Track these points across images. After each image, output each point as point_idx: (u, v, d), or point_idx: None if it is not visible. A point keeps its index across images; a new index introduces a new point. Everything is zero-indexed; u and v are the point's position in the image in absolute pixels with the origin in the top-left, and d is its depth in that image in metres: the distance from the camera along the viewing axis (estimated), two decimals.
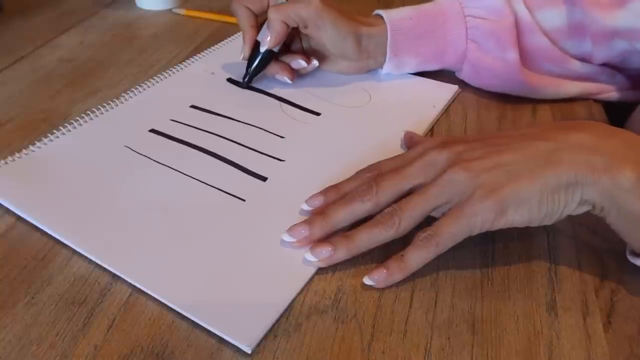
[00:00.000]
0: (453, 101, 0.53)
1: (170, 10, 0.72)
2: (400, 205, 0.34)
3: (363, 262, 0.35)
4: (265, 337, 0.31)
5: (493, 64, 0.52)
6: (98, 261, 0.34)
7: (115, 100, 0.50)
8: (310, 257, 0.34)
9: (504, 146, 0.34)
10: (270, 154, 0.44)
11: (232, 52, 0.60)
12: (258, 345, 0.30)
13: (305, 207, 0.38)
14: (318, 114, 0.49)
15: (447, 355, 0.30)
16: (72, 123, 0.46)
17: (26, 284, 0.33)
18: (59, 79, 0.55)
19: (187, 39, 0.64)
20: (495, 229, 0.33)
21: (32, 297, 0.32)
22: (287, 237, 0.36)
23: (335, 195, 0.38)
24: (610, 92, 0.54)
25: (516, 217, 0.33)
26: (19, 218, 0.38)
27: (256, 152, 0.44)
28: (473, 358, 0.30)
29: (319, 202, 0.38)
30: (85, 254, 0.35)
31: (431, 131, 0.49)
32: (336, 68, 0.55)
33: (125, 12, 0.71)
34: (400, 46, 0.53)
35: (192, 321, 0.31)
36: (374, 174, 0.38)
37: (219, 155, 0.43)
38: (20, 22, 0.66)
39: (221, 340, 0.30)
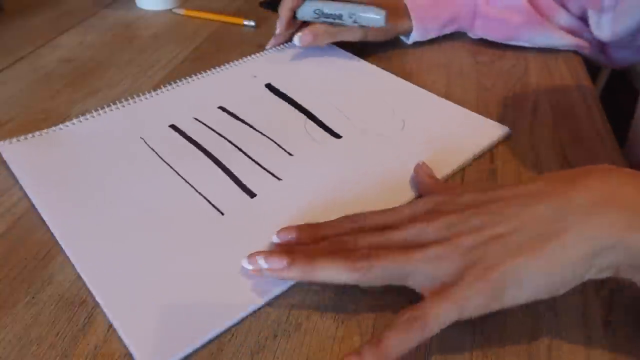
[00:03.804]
0: (498, 144, 0.47)
1: (170, 10, 0.72)
2: (379, 251, 0.30)
3: None
4: (266, 337, 0.31)
5: (503, 14, 0.60)
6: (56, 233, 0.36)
7: (152, 91, 0.51)
8: (261, 263, 0.31)
9: (498, 214, 0.30)
10: (270, 170, 0.42)
11: (280, 59, 0.59)
12: (258, 345, 0.30)
13: (275, 239, 0.35)
14: (339, 136, 0.46)
15: (447, 355, 0.30)
16: (110, 105, 0.49)
17: (26, 284, 0.33)
18: (59, 79, 0.55)
19: (187, 39, 0.64)
20: (494, 311, 0.29)
21: (32, 297, 0.32)
22: (258, 263, 0.32)
23: (309, 235, 0.34)
24: (586, 49, 0.62)
25: (518, 297, 0.28)
26: (19, 218, 0.38)
27: (258, 166, 0.43)
28: (473, 358, 0.30)
29: (291, 237, 0.34)
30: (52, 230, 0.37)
31: (462, 174, 0.44)
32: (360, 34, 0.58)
33: (125, 12, 0.71)
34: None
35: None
36: (355, 227, 0.34)
37: (221, 163, 0.43)
38: (20, 22, 0.66)
39: (221, 340, 0.30)
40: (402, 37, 0.64)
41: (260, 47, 0.63)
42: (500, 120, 0.51)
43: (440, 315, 0.28)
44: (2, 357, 0.29)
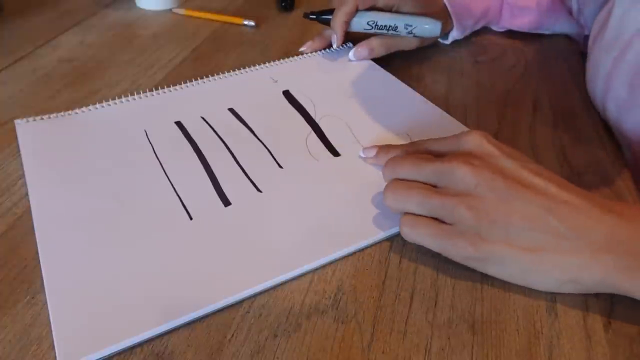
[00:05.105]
0: None
1: (170, 10, 0.72)
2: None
3: (363, 262, 0.35)
4: (266, 337, 0.31)
5: (529, 2, 0.64)
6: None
7: (172, 86, 0.52)
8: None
9: (520, 201, 0.32)
10: (254, 181, 0.41)
11: (307, 66, 0.57)
12: (258, 345, 0.30)
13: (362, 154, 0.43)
14: (338, 154, 0.45)
15: (447, 355, 0.30)
16: (128, 96, 0.51)
17: (26, 284, 0.33)
18: (59, 79, 0.55)
19: (187, 39, 0.64)
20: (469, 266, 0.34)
21: (32, 297, 0.32)
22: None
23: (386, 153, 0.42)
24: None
25: (495, 273, 0.34)
26: (19, 218, 0.38)
27: (243, 174, 0.42)
28: (473, 358, 0.30)
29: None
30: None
31: None
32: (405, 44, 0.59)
33: (125, 12, 0.71)
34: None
35: (192, 321, 0.31)
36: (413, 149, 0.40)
37: (208, 166, 0.42)
38: (20, 22, 0.66)
39: (221, 340, 0.30)
40: (440, 39, 0.64)
41: (260, 47, 0.63)
42: (500, 120, 0.51)
43: (426, 239, 0.34)
44: (2, 357, 0.29)
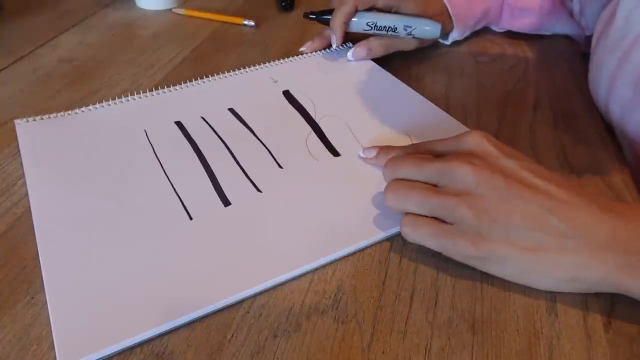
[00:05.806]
0: None
1: (170, 10, 0.72)
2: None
3: (363, 262, 0.35)
4: (266, 337, 0.31)
5: (529, 3, 0.63)
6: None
7: (172, 86, 0.52)
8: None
9: (519, 200, 0.32)
10: (254, 181, 0.41)
11: (307, 66, 0.57)
12: (258, 345, 0.30)
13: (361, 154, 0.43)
14: (338, 154, 0.45)
15: (447, 355, 0.30)
16: (128, 95, 0.51)
17: (26, 284, 0.33)
18: (59, 79, 0.55)
19: (187, 39, 0.64)
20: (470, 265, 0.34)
21: (32, 297, 0.32)
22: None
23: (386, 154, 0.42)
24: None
25: (494, 272, 0.34)
26: (19, 218, 0.38)
27: (243, 174, 0.42)
28: (473, 358, 0.30)
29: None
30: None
31: None
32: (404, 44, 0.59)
33: (125, 12, 0.71)
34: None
35: (192, 321, 0.31)
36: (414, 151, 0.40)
37: (208, 166, 0.42)
38: (20, 22, 0.66)
39: (221, 340, 0.30)
40: (440, 39, 0.63)
41: (260, 47, 0.63)
42: (500, 120, 0.51)
43: (427, 239, 0.34)
44: (2, 357, 0.29)
